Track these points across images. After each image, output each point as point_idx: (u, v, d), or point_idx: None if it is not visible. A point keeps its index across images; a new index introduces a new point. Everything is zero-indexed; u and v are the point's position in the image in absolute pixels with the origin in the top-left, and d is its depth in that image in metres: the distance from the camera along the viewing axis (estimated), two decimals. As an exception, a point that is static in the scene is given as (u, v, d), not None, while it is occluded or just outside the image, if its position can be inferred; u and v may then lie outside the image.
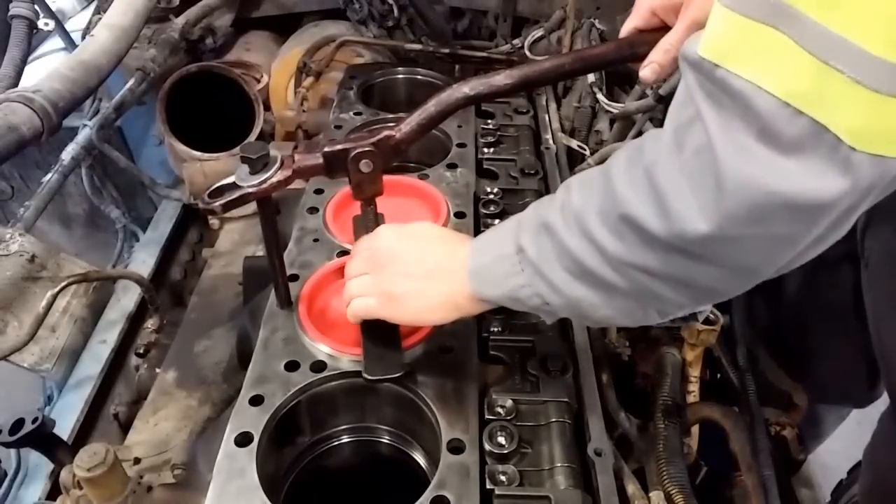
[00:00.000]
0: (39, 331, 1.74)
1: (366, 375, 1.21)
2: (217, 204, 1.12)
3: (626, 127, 2.06)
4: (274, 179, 1.13)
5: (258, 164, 1.14)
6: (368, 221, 1.26)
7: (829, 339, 1.86)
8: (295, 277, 1.45)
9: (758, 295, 1.98)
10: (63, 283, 1.78)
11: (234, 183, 1.15)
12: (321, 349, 1.29)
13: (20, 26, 1.97)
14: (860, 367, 1.80)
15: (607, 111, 2.16)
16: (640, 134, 1.96)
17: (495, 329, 1.40)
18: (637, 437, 1.40)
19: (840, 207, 0.74)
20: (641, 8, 1.19)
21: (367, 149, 1.15)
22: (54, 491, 1.57)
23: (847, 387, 1.93)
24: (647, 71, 1.16)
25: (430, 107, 1.17)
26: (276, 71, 2.55)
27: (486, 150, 1.94)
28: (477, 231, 1.63)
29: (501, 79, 1.18)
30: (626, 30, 1.22)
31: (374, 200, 1.24)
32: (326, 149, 1.16)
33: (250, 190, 1.14)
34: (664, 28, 1.16)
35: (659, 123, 2.06)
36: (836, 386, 1.95)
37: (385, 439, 1.34)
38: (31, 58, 2.06)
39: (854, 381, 1.87)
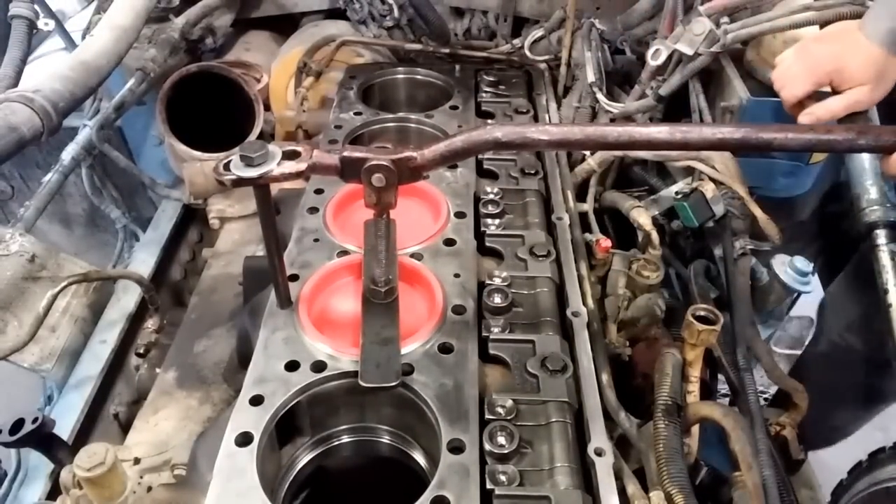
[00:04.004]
0: (39, 331, 1.74)
1: (362, 382, 1.21)
2: (228, 178, 1.12)
3: (626, 127, 2.06)
4: (288, 170, 1.13)
5: (259, 160, 1.13)
6: (379, 230, 1.26)
7: None
8: (295, 277, 1.45)
9: None
10: (63, 283, 1.78)
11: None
12: (321, 349, 1.29)
13: (20, 26, 1.97)
14: None
15: (607, 111, 2.16)
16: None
17: (495, 329, 1.40)
18: (637, 437, 1.40)
19: None
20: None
21: (382, 163, 1.14)
22: (54, 491, 1.57)
23: None
24: None
25: (458, 141, 1.16)
26: (276, 71, 2.55)
27: (486, 149, 1.94)
28: (477, 231, 1.63)
29: (536, 133, 1.13)
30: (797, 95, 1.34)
31: (388, 212, 1.24)
32: (345, 153, 1.16)
33: (260, 173, 1.12)
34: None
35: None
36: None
37: (385, 439, 1.34)
38: (31, 58, 2.06)
39: None
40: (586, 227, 1.90)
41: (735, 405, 1.71)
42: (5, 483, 1.69)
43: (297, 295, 1.40)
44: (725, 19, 1.82)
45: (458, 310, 1.38)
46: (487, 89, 2.26)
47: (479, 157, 1.89)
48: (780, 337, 2.85)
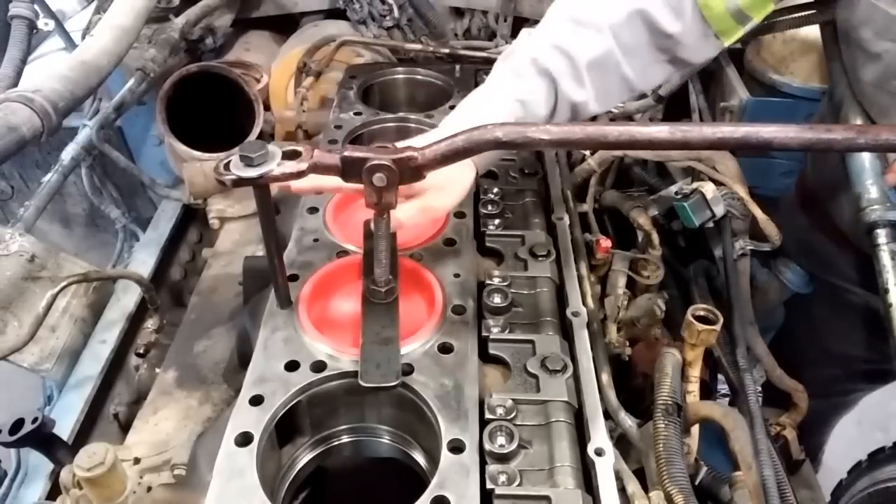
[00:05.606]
0: (39, 331, 1.74)
1: (362, 382, 1.21)
2: (228, 178, 1.11)
3: (626, 127, 2.06)
4: (288, 170, 1.13)
5: (259, 160, 1.13)
6: (379, 230, 1.26)
7: None
8: (295, 277, 1.45)
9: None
10: (63, 283, 1.78)
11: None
12: (321, 349, 1.29)
13: (20, 26, 1.97)
14: None
15: (607, 111, 2.15)
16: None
17: (495, 329, 1.40)
18: (637, 437, 1.40)
19: None
20: None
21: (384, 163, 1.14)
22: (54, 491, 1.57)
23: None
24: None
25: (459, 140, 1.15)
26: (276, 71, 2.55)
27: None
28: (477, 231, 1.64)
29: (537, 132, 1.11)
30: None
31: (388, 212, 1.24)
32: (346, 153, 1.16)
33: (261, 172, 1.12)
34: None
35: (659, 123, 2.06)
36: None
37: (385, 439, 1.34)
38: (31, 58, 2.06)
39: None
40: (586, 228, 1.90)
41: (735, 405, 1.71)
42: (5, 483, 1.69)
43: (297, 295, 1.40)
44: (725, 19, 1.82)
45: (458, 310, 1.38)
46: (487, 89, 2.25)
47: (479, 157, 1.89)
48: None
